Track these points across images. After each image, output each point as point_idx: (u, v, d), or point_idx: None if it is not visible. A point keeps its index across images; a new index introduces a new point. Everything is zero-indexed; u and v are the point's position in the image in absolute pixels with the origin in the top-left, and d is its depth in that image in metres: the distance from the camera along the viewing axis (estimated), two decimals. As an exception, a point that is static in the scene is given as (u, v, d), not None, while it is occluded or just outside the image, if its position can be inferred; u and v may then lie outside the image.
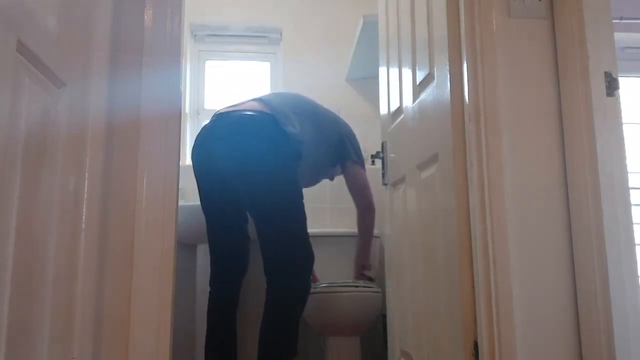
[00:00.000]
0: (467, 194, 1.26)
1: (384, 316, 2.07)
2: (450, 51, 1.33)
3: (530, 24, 1.30)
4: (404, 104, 1.76)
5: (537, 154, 1.25)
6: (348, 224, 2.49)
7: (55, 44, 0.91)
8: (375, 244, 2.46)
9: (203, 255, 2.25)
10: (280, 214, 1.83)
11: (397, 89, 1.85)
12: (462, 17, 1.30)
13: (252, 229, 1.91)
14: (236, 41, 3.01)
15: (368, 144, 2.63)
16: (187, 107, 2.88)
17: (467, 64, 1.27)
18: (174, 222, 1.27)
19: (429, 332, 1.49)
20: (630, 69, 2.51)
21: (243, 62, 3.05)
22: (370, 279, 2.23)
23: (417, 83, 1.61)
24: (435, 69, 1.45)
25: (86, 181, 1.06)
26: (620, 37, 1.90)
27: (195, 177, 1.99)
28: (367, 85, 2.88)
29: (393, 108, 1.90)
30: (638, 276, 1.17)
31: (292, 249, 1.81)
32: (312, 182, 2.23)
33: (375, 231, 2.33)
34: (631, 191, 1.20)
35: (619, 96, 1.23)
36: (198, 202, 2.01)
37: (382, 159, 2.03)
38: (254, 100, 1.99)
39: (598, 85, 1.21)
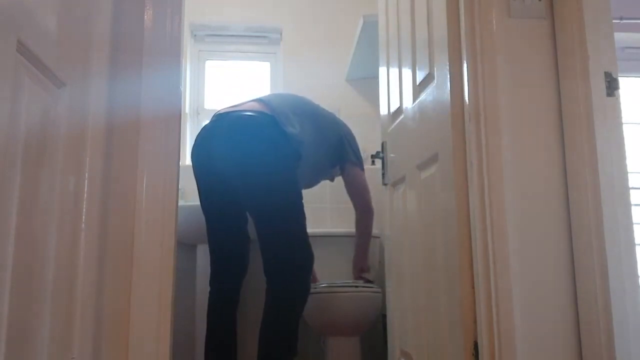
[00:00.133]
0: (467, 194, 1.26)
1: (384, 316, 2.07)
2: (450, 51, 1.33)
3: (530, 24, 1.30)
4: (404, 104, 1.76)
5: (537, 154, 1.25)
6: (348, 224, 2.49)
7: (55, 44, 0.91)
8: (375, 244, 2.46)
9: (203, 255, 2.25)
10: (280, 214, 1.83)
11: (397, 89, 1.85)
12: (462, 17, 1.30)
13: (252, 229, 1.91)
14: (236, 41, 3.01)
15: (368, 144, 2.63)
16: (187, 107, 2.88)
17: (467, 64, 1.27)
18: (174, 222, 1.27)
19: (429, 332, 1.49)
20: (630, 69, 2.51)
21: (243, 62, 3.05)
22: (369, 282, 2.23)
23: (417, 83, 1.61)
24: (435, 69, 1.45)
25: (86, 181, 1.06)
26: (620, 37, 1.90)
27: (195, 177, 1.99)
28: (367, 85, 2.88)
29: (393, 108, 1.90)
30: (638, 276, 1.17)
31: (291, 250, 1.81)
32: (312, 183, 2.23)
33: (375, 231, 2.33)
34: (631, 191, 1.20)
35: (619, 96, 1.22)
36: (198, 202, 2.01)
37: (382, 159, 2.03)
38: (254, 100, 1.99)
39: (598, 85, 1.21)
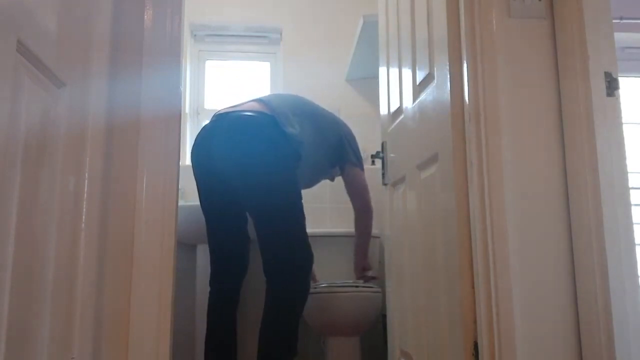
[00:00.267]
0: (467, 194, 1.26)
1: (384, 316, 2.07)
2: (450, 51, 1.33)
3: (530, 24, 1.30)
4: (404, 104, 1.76)
5: (537, 154, 1.25)
6: (347, 224, 2.49)
7: (55, 44, 0.91)
8: (375, 244, 2.46)
9: (203, 255, 2.25)
10: (280, 214, 1.83)
11: (397, 89, 1.85)
12: (462, 17, 1.30)
13: (252, 229, 1.91)
14: (236, 41, 3.01)
15: (368, 144, 2.63)
16: (187, 107, 2.88)
17: (467, 64, 1.27)
18: (174, 222, 1.27)
19: (429, 332, 1.49)
20: (630, 69, 2.51)
21: (243, 62, 3.05)
22: (374, 278, 2.23)
23: (417, 83, 1.61)
24: (435, 69, 1.45)
25: (86, 181, 1.06)
26: (620, 37, 1.90)
27: (195, 177, 1.99)
28: (367, 85, 2.88)
29: (393, 108, 1.90)
30: (638, 276, 1.17)
31: (291, 250, 1.81)
32: (312, 183, 2.23)
33: (375, 231, 2.33)
34: (631, 191, 1.20)
35: (619, 96, 1.22)
36: (198, 202, 2.01)
37: (382, 159, 2.03)
38: (253, 100, 1.99)
39: (598, 85, 1.21)
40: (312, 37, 2.93)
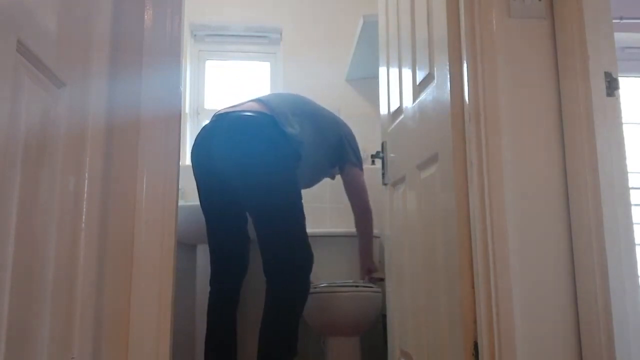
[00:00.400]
0: (467, 194, 1.26)
1: (384, 316, 2.07)
2: (450, 51, 1.33)
3: (530, 24, 1.30)
4: (404, 104, 1.76)
5: (537, 154, 1.25)
6: (347, 224, 2.49)
7: (55, 44, 0.91)
8: (375, 244, 2.46)
9: (203, 255, 2.25)
10: (280, 214, 1.83)
11: (397, 89, 1.85)
12: (462, 17, 1.30)
13: (252, 229, 1.91)
14: (236, 41, 3.01)
15: (368, 144, 2.63)
16: (187, 107, 2.88)
17: (467, 64, 1.27)
18: (174, 222, 1.27)
19: (429, 332, 1.49)
20: (630, 69, 2.51)
21: (243, 62, 3.05)
22: (381, 279, 2.23)
23: (417, 83, 1.61)
24: (435, 69, 1.45)
25: (86, 181, 1.06)
26: (620, 37, 1.90)
27: (195, 177, 1.99)
28: (367, 85, 2.88)
29: (393, 108, 1.90)
30: (638, 276, 1.17)
31: (291, 250, 1.81)
32: (312, 183, 2.23)
33: (375, 231, 2.33)
34: (631, 191, 1.20)
35: (619, 96, 1.22)
36: (198, 202, 2.01)
37: (382, 159, 2.03)
38: (253, 100, 1.99)
39: (598, 85, 1.21)
40: (312, 37, 2.93)
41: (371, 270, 2.26)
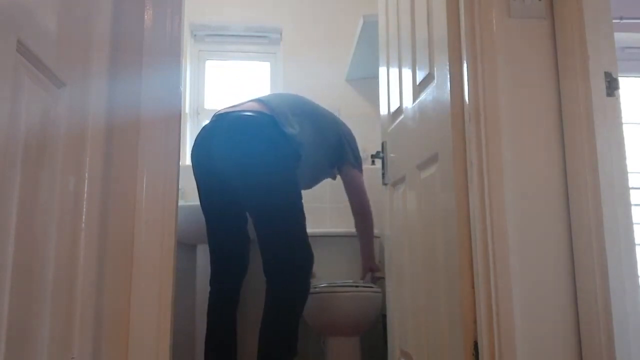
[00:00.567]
0: (467, 194, 1.26)
1: (384, 316, 2.07)
2: (450, 51, 1.33)
3: (530, 24, 1.30)
4: (404, 104, 1.76)
5: (537, 154, 1.25)
6: (347, 224, 2.49)
7: (55, 44, 0.91)
8: (375, 244, 2.46)
9: (203, 255, 2.25)
10: (280, 214, 1.83)
11: (397, 89, 1.85)
12: (462, 17, 1.30)
13: (252, 230, 1.91)
14: (236, 41, 3.01)
15: (368, 144, 2.63)
16: (187, 107, 2.89)
17: (467, 64, 1.27)
18: (174, 222, 1.27)
19: (429, 332, 1.49)
20: (630, 69, 2.51)
21: (243, 62, 3.05)
22: (382, 278, 2.23)
23: (417, 83, 1.61)
24: (435, 69, 1.45)
25: (86, 181, 1.06)
26: (620, 37, 1.90)
27: (195, 177, 1.99)
28: (367, 85, 2.88)
29: (393, 108, 1.90)
30: (638, 276, 1.17)
31: (291, 250, 1.81)
32: (312, 183, 2.23)
33: (375, 231, 2.33)
34: (631, 191, 1.20)
35: (619, 96, 1.22)
36: (198, 202, 2.01)
37: (382, 159, 2.03)
38: (253, 100, 1.99)
39: (598, 85, 1.21)
40: (312, 37, 2.93)
41: (373, 269, 2.26)
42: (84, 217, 1.05)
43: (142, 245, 1.24)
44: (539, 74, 1.28)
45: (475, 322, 1.21)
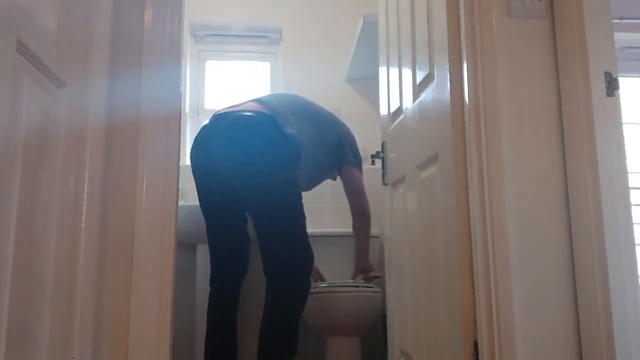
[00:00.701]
0: (467, 194, 1.26)
1: (384, 316, 2.07)
2: (450, 51, 1.33)
3: (530, 24, 1.30)
4: (404, 104, 1.76)
5: (537, 154, 1.25)
6: (347, 224, 2.48)
7: (55, 44, 0.91)
8: (375, 244, 2.46)
9: (203, 255, 2.25)
10: (280, 214, 1.83)
11: (397, 89, 1.85)
12: (462, 17, 1.30)
13: (252, 230, 1.91)
14: (236, 41, 3.01)
15: (368, 144, 2.63)
16: (187, 107, 2.88)
17: (467, 64, 1.27)
18: (174, 222, 1.27)
19: (429, 332, 1.49)
20: (630, 69, 2.51)
21: (243, 62, 3.05)
22: (377, 277, 2.23)
23: (417, 83, 1.61)
24: (435, 69, 1.45)
25: (86, 181, 1.06)
26: (620, 37, 1.90)
27: (194, 177, 1.99)
28: (367, 85, 2.88)
29: (393, 108, 1.90)
30: (638, 276, 1.17)
31: (291, 250, 1.81)
32: (312, 184, 2.22)
33: (375, 231, 2.33)
34: (631, 191, 1.20)
35: (619, 96, 1.22)
36: (198, 202, 2.01)
37: (382, 159, 2.03)
38: (252, 101, 1.99)
39: (598, 85, 1.21)
40: (312, 37, 2.93)
41: (366, 270, 2.26)
42: (84, 217, 1.05)
43: (142, 245, 1.24)
44: (539, 74, 1.28)
45: (475, 322, 1.21)
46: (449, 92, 1.32)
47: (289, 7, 2.96)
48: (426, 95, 1.52)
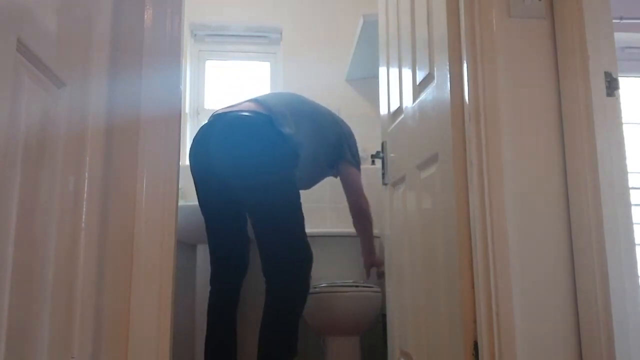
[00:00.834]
0: (467, 194, 1.26)
1: (384, 316, 2.07)
2: (450, 51, 1.33)
3: (530, 24, 1.30)
4: (404, 104, 1.76)
5: (537, 154, 1.25)
6: (347, 224, 2.49)
7: (55, 44, 0.91)
8: (375, 244, 2.46)
9: (203, 255, 2.25)
10: (278, 214, 1.82)
11: (397, 89, 1.85)
12: (462, 17, 1.30)
13: (251, 230, 1.91)
14: (236, 41, 3.01)
15: (368, 144, 2.63)
16: (187, 107, 2.88)
17: (467, 64, 1.27)
18: (174, 222, 1.27)
19: (429, 332, 1.49)
20: (630, 69, 2.51)
21: (243, 62, 3.05)
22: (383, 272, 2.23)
23: (417, 83, 1.61)
24: (435, 69, 1.45)
25: (86, 181, 1.06)
26: (620, 37, 1.90)
27: (193, 177, 1.99)
28: (367, 85, 2.88)
29: (393, 108, 1.90)
30: (638, 276, 1.17)
31: (290, 250, 1.81)
32: (311, 183, 2.22)
33: (375, 231, 2.33)
34: (631, 191, 1.20)
35: (619, 96, 1.22)
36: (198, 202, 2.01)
37: (382, 159, 2.03)
38: (250, 100, 1.99)
39: (598, 85, 1.21)
40: (312, 37, 2.93)
41: (376, 264, 2.24)
42: (84, 217, 1.05)
43: (142, 245, 1.24)
44: (539, 74, 1.28)
45: (475, 322, 1.21)
46: (449, 92, 1.32)
47: (289, 7, 2.96)
48: (426, 95, 1.52)
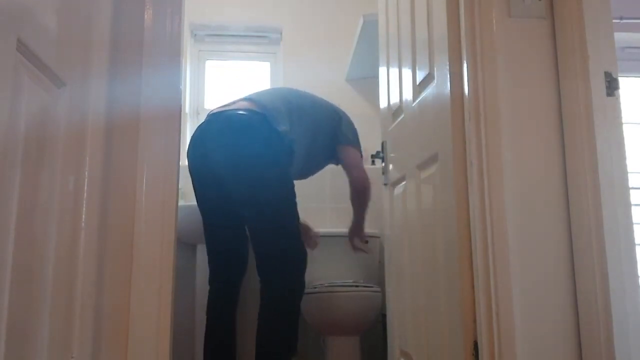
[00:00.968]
0: (467, 194, 1.26)
1: (384, 316, 2.07)
2: (450, 51, 1.33)
3: (530, 24, 1.30)
4: (404, 104, 1.76)
5: (537, 154, 1.25)
6: (347, 224, 2.49)
7: (55, 44, 0.91)
8: (375, 244, 2.46)
9: (203, 255, 2.25)
10: (273, 212, 1.82)
11: (397, 88, 1.85)
12: (462, 17, 1.30)
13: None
14: (236, 41, 3.01)
15: (368, 144, 2.62)
16: (187, 107, 2.88)
17: (467, 63, 1.27)
18: (174, 222, 1.27)
19: (429, 332, 1.49)
20: (630, 69, 2.51)
21: (243, 62, 3.05)
22: (367, 241, 2.24)
23: (417, 83, 1.61)
24: (435, 68, 1.45)
25: (86, 181, 1.06)
26: (620, 37, 1.89)
27: (191, 175, 1.99)
28: (367, 85, 2.88)
29: (393, 108, 1.90)
30: (638, 276, 1.17)
31: (285, 247, 1.81)
32: (309, 173, 2.18)
33: (375, 231, 2.33)
34: (631, 191, 1.20)
35: (619, 96, 1.22)
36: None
37: (382, 158, 2.03)
38: (245, 99, 1.98)
39: (598, 85, 1.21)
40: (312, 37, 2.93)
41: (360, 236, 2.24)
42: (83, 216, 1.05)
43: (142, 244, 1.24)
44: (539, 74, 1.28)
45: (475, 322, 1.21)
46: (449, 92, 1.32)
47: (289, 7, 2.96)
48: (426, 95, 1.52)
